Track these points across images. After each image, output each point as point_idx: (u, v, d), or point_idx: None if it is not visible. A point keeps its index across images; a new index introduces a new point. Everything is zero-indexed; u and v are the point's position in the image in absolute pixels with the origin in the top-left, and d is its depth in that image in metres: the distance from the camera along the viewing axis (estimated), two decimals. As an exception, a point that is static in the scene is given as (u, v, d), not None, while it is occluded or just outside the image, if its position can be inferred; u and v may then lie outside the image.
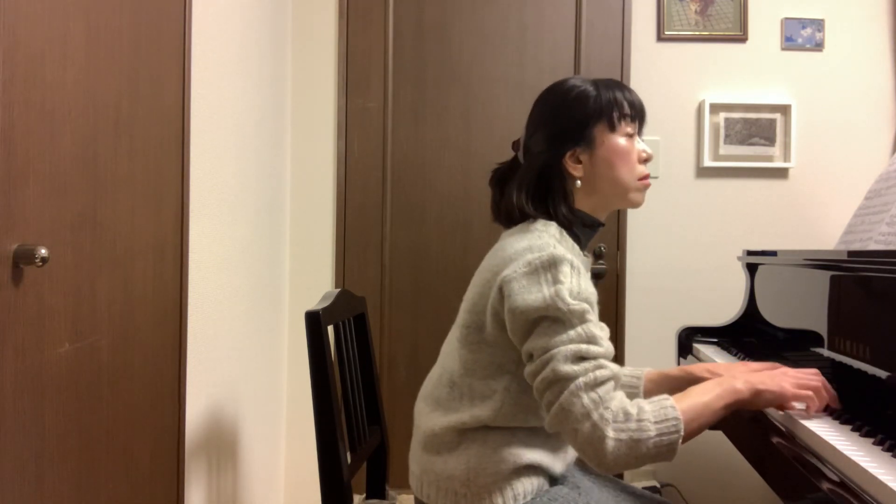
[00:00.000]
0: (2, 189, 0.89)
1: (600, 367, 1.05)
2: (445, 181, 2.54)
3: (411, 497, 1.67)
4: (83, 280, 1.09)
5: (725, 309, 2.49)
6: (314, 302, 1.57)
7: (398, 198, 2.54)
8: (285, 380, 2.51)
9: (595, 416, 1.01)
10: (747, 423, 1.31)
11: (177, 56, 1.43)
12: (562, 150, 1.21)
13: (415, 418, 1.28)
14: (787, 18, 2.53)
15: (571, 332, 1.05)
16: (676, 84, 2.53)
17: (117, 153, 1.19)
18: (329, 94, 2.53)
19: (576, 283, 1.08)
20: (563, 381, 1.03)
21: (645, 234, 2.53)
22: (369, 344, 1.66)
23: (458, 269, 2.53)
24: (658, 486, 2.46)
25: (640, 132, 1.26)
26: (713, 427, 1.74)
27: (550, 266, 1.08)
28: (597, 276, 2.52)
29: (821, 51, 2.54)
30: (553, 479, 1.21)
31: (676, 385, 1.32)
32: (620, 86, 1.23)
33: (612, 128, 1.21)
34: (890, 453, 0.97)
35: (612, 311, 2.52)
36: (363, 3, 2.53)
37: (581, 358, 1.04)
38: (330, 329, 1.40)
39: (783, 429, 1.17)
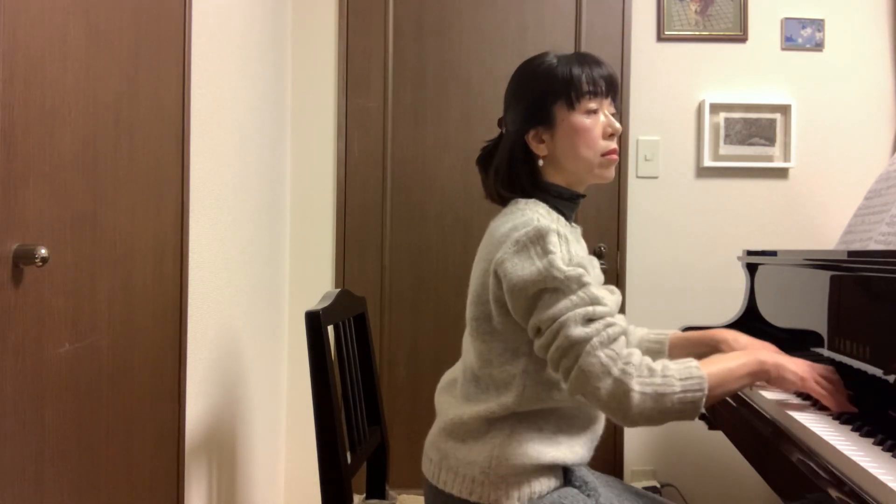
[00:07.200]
0: (2, 189, 0.89)
1: (610, 325, 1.07)
2: (445, 181, 2.54)
3: (411, 497, 1.67)
4: (83, 280, 1.09)
5: (725, 309, 2.49)
6: (314, 302, 1.57)
7: (398, 198, 2.54)
8: (285, 380, 2.51)
9: (615, 370, 1.03)
10: (747, 423, 1.31)
11: (177, 56, 1.43)
12: (525, 130, 1.23)
13: (438, 408, 1.29)
14: (787, 18, 2.53)
15: (574, 298, 1.07)
16: (676, 84, 2.53)
17: (117, 153, 1.19)
18: (329, 94, 2.53)
19: (566, 251, 1.10)
20: (578, 344, 1.05)
21: (645, 234, 2.53)
22: (369, 344, 1.66)
23: (459, 269, 2.53)
24: (658, 486, 2.46)
25: (613, 101, 1.24)
26: (713, 427, 1.74)
27: (538, 239, 1.10)
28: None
29: (821, 51, 2.53)
30: (569, 474, 1.22)
31: (700, 352, 1.32)
32: (581, 61, 1.21)
33: (571, 106, 1.20)
34: (890, 453, 0.97)
35: (612, 311, 2.51)
36: (363, 3, 2.52)
37: (590, 320, 1.06)
38: (330, 329, 1.40)
39: (783, 429, 1.17)
